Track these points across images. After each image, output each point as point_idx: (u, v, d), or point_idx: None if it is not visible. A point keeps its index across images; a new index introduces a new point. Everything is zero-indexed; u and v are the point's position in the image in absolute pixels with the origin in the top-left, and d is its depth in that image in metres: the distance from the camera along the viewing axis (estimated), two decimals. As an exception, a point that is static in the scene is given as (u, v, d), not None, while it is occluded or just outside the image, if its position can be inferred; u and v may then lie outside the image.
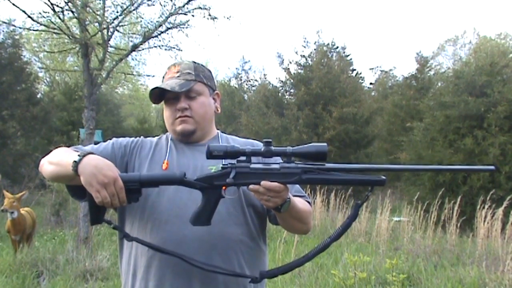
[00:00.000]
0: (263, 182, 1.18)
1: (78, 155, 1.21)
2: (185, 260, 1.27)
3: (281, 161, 1.26)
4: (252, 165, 1.23)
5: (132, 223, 1.39)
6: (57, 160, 1.30)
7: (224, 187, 1.26)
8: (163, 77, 1.49)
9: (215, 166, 1.35)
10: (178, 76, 1.43)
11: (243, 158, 1.24)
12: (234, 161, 1.25)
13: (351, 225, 1.30)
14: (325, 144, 1.22)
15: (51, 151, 1.38)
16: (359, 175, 1.25)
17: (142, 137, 1.53)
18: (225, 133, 1.57)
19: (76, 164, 1.20)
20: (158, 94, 1.44)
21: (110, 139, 1.49)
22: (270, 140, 1.25)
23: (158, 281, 1.33)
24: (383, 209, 7.09)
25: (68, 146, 1.41)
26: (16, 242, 5.39)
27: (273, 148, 1.24)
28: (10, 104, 13.41)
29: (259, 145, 1.42)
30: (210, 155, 1.22)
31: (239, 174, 1.23)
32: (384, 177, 1.22)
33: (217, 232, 1.33)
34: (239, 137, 1.59)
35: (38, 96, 16.69)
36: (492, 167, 1.26)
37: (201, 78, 1.46)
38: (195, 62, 1.50)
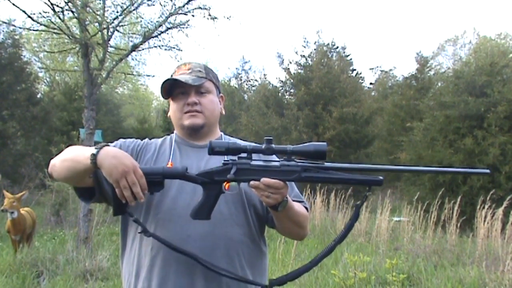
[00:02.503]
0: (263, 179, 1.20)
1: (96, 148, 1.22)
2: (198, 261, 1.28)
3: (279, 159, 1.27)
4: (253, 162, 1.25)
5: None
6: (71, 157, 1.29)
7: (226, 184, 1.27)
8: (171, 75, 1.50)
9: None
10: (190, 73, 1.46)
11: (244, 155, 1.25)
12: (235, 158, 1.26)
13: (353, 226, 1.32)
14: (324, 143, 1.24)
15: (59, 153, 1.37)
16: (357, 175, 1.26)
17: (147, 139, 1.54)
18: (227, 135, 1.58)
19: (94, 156, 1.20)
20: (167, 90, 1.46)
21: (113, 141, 1.49)
22: (271, 138, 1.26)
23: (161, 280, 1.33)
24: (383, 209, 7.09)
25: (68, 146, 1.40)
26: (16, 242, 5.38)
27: (274, 146, 1.25)
28: (10, 104, 13.41)
29: None
30: (212, 151, 1.23)
31: (240, 171, 1.24)
32: (381, 177, 1.24)
33: (220, 232, 1.34)
34: (240, 138, 1.60)
35: (38, 96, 16.69)
36: (487, 170, 1.29)
37: (211, 77, 1.49)
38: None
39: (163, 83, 1.43)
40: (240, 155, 1.26)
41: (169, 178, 1.27)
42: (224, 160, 1.26)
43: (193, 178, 1.26)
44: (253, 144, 1.27)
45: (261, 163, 1.25)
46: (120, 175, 1.17)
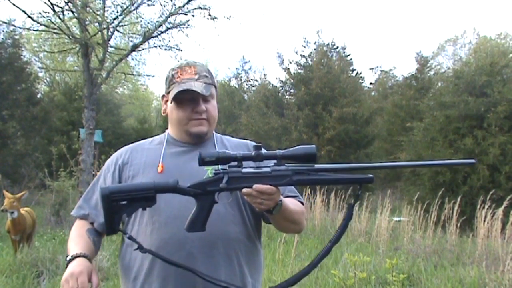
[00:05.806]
0: (255, 186, 1.20)
1: (70, 256, 1.30)
2: (195, 273, 1.28)
3: (273, 164, 1.27)
4: (244, 170, 1.25)
5: (132, 228, 1.40)
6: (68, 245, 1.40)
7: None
8: (173, 75, 1.45)
9: (211, 168, 1.36)
10: (197, 79, 1.43)
11: (234, 163, 1.26)
12: (226, 166, 1.26)
13: (348, 225, 1.32)
14: (313, 145, 1.24)
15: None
16: (348, 175, 1.28)
17: (130, 147, 1.53)
18: (219, 133, 1.58)
19: (66, 262, 1.29)
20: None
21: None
22: (260, 144, 1.27)
23: (162, 282, 1.34)
24: (383, 209, 7.09)
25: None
26: (16, 242, 5.38)
27: (263, 152, 1.26)
28: (10, 104, 13.40)
29: None
30: (203, 161, 1.23)
31: (232, 179, 1.24)
32: (371, 175, 1.25)
33: (217, 231, 1.35)
34: (237, 137, 1.61)
35: (38, 96, 16.67)
36: (472, 160, 1.31)
37: (213, 81, 1.49)
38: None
39: (179, 92, 1.39)
40: (230, 164, 1.26)
41: (161, 192, 1.27)
42: (216, 170, 1.27)
43: (185, 191, 1.26)
44: (242, 152, 1.28)
45: (252, 170, 1.25)
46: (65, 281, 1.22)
